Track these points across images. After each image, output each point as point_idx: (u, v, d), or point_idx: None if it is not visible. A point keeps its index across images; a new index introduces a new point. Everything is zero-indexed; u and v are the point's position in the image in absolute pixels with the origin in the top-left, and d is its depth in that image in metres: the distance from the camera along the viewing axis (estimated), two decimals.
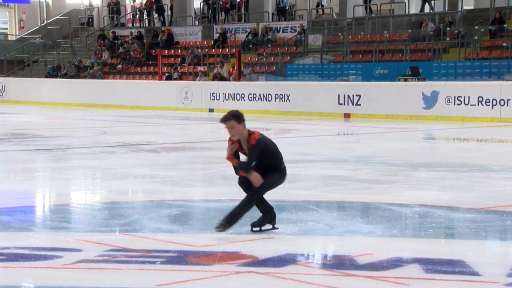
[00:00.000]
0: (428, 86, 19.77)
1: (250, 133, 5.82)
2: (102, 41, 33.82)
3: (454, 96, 19.01)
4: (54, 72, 31.98)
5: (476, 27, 23.13)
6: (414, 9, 30.43)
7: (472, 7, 28.72)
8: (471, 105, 18.79)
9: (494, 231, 6.37)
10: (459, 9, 26.11)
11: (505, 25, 23.21)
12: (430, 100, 19.42)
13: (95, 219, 6.79)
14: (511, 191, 8.29)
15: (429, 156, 12.52)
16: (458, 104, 18.99)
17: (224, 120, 5.80)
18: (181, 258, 5.18)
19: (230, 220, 5.87)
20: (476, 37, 22.96)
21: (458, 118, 18.83)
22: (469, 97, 18.79)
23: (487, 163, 10.91)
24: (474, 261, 5.05)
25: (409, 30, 25.15)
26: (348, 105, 20.82)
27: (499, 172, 9.97)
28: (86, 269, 4.88)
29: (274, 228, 6.01)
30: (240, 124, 5.76)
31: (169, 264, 5.05)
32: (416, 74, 21.11)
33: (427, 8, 27.95)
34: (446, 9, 27.93)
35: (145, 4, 36.41)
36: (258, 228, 5.96)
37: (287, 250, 5.36)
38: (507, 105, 18.29)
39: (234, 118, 5.77)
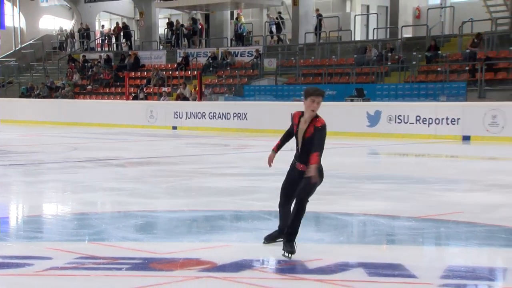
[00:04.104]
0: (372, 106, 20.02)
1: (317, 116, 5.46)
2: (73, 64, 33.50)
3: (395, 115, 19.30)
4: (28, 93, 31.52)
5: (414, 53, 23.57)
6: (359, 36, 30.88)
7: (410, 35, 29.26)
8: (410, 123, 19.10)
9: (430, 237, 6.47)
10: (399, 37, 26.59)
11: (439, 52, 23.69)
12: (373, 119, 19.68)
13: (65, 229, 6.69)
14: (446, 201, 8.42)
15: (373, 170, 12.65)
16: (398, 123, 19.28)
17: (322, 95, 5.42)
18: (145, 264, 5.14)
19: (291, 236, 5.25)
20: (414, 62, 23.38)
21: (398, 135, 19.10)
22: (408, 116, 19.10)
23: (424, 176, 11.07)
24: (411, 265, 5.12)
25: (355, 55, 25.48)
26: None
27: (435, 184, 10.12)
28: (56, 276, 4.81)
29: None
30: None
31: (134, 270, 5.00)
32: (361, 95, 21.37)
33: (371, 36, 28.35)
34: (388, 36, 28.42)
35: (114, 30, 36.22)
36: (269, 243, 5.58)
37: (243, 256, 5.36)
38: (442, 124, 18.64)
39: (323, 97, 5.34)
